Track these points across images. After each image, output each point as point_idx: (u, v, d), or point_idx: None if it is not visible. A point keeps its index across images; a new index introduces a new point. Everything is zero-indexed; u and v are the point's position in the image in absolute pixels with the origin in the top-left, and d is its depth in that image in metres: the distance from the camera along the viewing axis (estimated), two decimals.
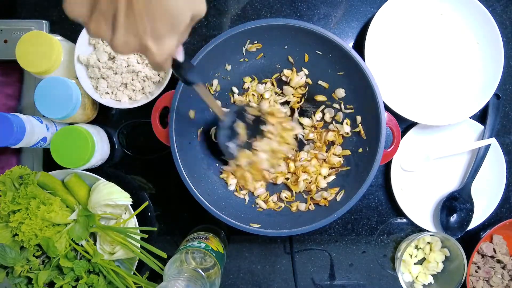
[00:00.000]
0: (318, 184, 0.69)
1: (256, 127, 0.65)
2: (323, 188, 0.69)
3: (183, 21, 0.36)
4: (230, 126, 0.64)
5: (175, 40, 0.36)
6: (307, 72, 0.71)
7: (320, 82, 0.71)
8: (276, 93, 0.72)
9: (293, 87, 0.72)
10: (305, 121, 0.72)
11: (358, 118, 0.68)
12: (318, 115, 0.72)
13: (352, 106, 0.69)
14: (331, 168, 0.70)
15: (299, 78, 0.70)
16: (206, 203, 0.62)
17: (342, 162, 0.70)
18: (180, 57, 0.42)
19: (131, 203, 0.68)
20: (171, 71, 0.69)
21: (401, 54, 0.75)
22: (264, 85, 0.72)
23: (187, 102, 0.65)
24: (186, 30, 0.37)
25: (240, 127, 0.65)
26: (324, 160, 0.71)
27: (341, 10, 0.77)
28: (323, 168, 0.70)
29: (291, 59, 0.70)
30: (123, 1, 0.33)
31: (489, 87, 0.71)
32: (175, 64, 0.44)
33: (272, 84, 0.72)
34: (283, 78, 0.72)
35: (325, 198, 0.68)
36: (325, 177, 0.70)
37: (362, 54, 0.70)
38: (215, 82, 0.70)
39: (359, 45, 0.74)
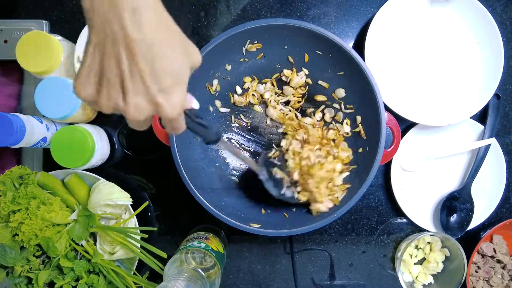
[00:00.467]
0: (334, 182, 0.67)
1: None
2: (337, 185, 0.68)
3: (184, 75, 0.38)
4: (270, 176, 0.65)
5: (182, 91, 0.38)
6: (307, 72, 0.71)
7: (320, 82, 0.71)
8: (276, 93, 0.72)
9: (293, 87, 0.72)
10: (307, 120, 0.72)
11: (358, 118, 0.68)
12: (318, 115, 0.72)
13: (352, 106, 0.69)
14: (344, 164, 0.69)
15: (299, 78, 0.70)
16: (206, 203, 0.62)
17: (351, 157, 0.69)
18: (195, 105, 0.43)
19: (131, 203, 0.68)
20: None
21: (401, 54, 0.75)
22: (264, 85, 0.72)
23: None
24: (186, 84, 0.40)
25: (278, 173, 0.66)
26: (334, 156, 0.70)
27: (341, 10, 0.77)
28: (337, 164, 0.68)
29: (291, 59, 0.70)
30: (126, 68, 0.35)
31: (489, 87, 0.71)
32: (193, 125, 0.44)
33: (272, 84, 0.72)
34: (283, 78, 0.72)
35: (337, 197, 0.67)
36: (340, 173, 0.69)
37: (362, 54, 0.70)
38: (215, 82, 0.70)
39: (359, 45, 0.74)
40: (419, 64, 0.75)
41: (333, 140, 0.70)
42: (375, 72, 0.67)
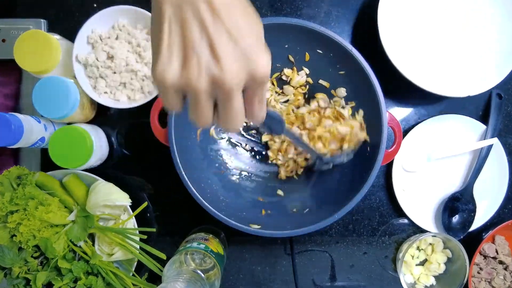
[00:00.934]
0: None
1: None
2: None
3: (261, 33, 0.36)
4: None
5: (266, 51, 0.35)
6: (307, 71, 0.70)
7: (320, 81, 0.70)
8: (276, 92, 0.72)
9: (293, 87, 0.71)
10: (303, 109, 0.71)
11: (360, 112, 0.68)
12: (314, 104, 0.71)
13: (353, 103, 0.69)
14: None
15: (300, 77, 0.70)
16: (206, 203, 0.62)
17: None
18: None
19: (130, 204, 0.68)
20: None
21: (417, 22, 0.71)
22: None
23: (187, 103, 0.64)
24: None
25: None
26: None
27: (342, 9, 0.77)
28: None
29: (291, 58, 0.69)
30: (212, 28, 0.31)
31: (510, 56, 0.69)
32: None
33: (272, 84, 0.72)
34: (283, 78, 0.71)
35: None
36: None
37: (375, 23, 0.68)
38: None
39: (371, 16, 0.71)
40: (437, 32, 0.71)
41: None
42: (390, 42, 0.66)
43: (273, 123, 0.46)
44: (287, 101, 0.72)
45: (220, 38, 0.31)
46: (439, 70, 0.72)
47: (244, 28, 0.32)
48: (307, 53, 0.68)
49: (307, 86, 0.71)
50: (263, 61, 0.33)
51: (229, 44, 0.32)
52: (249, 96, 0.35)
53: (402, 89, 0.73)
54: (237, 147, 0.73)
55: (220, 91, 0.33)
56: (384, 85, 0.63)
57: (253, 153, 0.73)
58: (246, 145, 0.73)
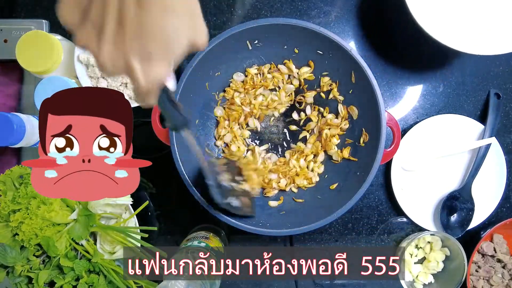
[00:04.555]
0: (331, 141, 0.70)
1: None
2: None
3: (178, 47, 0.33)
4: (217, 184, 0.59)
5: (165, 66, 0.33)
6: (307, 69, 0.71)
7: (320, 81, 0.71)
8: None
9: (286, 92, 0.72)
10: (301, 115, 0.72)
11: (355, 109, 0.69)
12: (308, 111, 0.72)
13: (352, 106, 0.69)
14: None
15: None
16: (206, 203, 0.62)
17: (347, 126, 0.70)
18: (170, 85, 0.39)
19: (131, 203, 0.68)
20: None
21: None
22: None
23: (187, 102, 0.65)
24: (178, 58, 0.34)
25: (225, 181, 0.61)
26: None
27: (341, 9, 0.77)
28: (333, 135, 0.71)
29: (288, 66, 0.70)
30: (114, 13, 0.30)
31: None
32: (164, 102, 0.40)
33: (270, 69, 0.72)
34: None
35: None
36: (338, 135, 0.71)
37: None
38: (215, 82, 0.70)
39: None
40: None
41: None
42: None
43: (177, 118, 0.44)
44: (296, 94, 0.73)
45: (115, 25, 0.30)
46: (467, 27, 0.69)
47: (146, 29, 0.30)
48: (307, 53, 0.68)
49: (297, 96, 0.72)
50: (145, 73, 0.32)
51: (119, 35, 0.30)
52: None
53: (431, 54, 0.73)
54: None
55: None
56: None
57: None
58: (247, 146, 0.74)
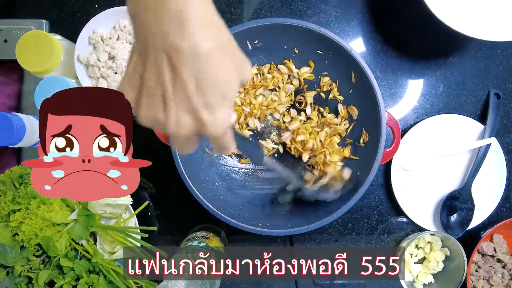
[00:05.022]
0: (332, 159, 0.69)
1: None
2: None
3: (233, 90, 0.35)
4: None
5: (228, 107, 0.34)
6: (307, 69, 0.71)
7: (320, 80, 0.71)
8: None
9: (286, 93, 0.72)
10: (301, 114, 0.73)
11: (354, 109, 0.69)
12: (308, 111, 0.72)
13: (352, 106, 0.69)
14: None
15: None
16: (207, 202, 0.62)
17: (347, 128, 0.71)
18: (233, 117, 0.42)
19: (131, 203, 0.68)
20: None
21: None
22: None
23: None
24: (233, 100, 0.36)
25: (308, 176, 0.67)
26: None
27: (341, 9, 0.77)
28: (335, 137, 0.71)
29: (288, 67, 0.70)
30: (167, 79, 0.32)
31: None
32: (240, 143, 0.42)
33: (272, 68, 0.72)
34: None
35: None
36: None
37: None
38: None
39: None
40: None
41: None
42: None
43: (253, 154, 0.49)
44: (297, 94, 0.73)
45: (175, 90, 0.32)
46: (481, 13, 0.68)
47: (204, 85, 0.32)
48: (307, 53, 0.68)
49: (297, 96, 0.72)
50: (214, 120, 0.34)
51: (181, 97, 0.32)
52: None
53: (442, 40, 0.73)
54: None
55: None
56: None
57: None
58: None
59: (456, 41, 0.77)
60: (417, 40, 0.77)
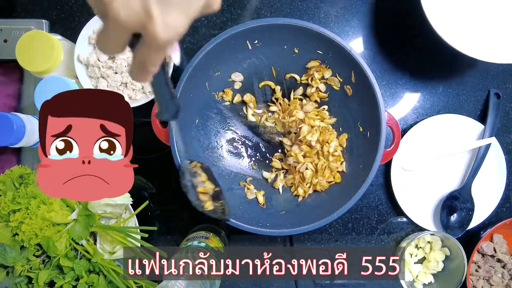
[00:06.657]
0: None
1: None
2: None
3: (194, 2, 0.30)
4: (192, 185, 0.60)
5: (183, 17, 0.30)
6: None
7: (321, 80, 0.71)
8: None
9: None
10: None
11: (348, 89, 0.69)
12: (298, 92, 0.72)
13: (352, 106, 0.69)
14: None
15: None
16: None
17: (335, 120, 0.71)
18: (176, 59, 0.37)
19: (131, 203, 0.68)
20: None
21: None
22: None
23: (187, 102, 0.65)
24: (193, 14, 0.31)
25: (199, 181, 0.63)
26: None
27: (341, 9, 0.77)
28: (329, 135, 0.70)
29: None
30: None
31: None
32: (161, 80, 0.36)
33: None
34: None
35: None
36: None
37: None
38: (215, 81, 0.70)
39: None
40: None
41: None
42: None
43: (170, 105, 0.41)
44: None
45: None
46: (483, 35, 0.69)
47: None
48: (306, 53, 0.68)
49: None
50: (164, 21, 0.29)
51: None
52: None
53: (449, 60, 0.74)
54: (237, 150, 0.74)
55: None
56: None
57: (253, 159, 0.74)
58: (247, 148, 0.74)
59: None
60: (417, 40, 0.77)
